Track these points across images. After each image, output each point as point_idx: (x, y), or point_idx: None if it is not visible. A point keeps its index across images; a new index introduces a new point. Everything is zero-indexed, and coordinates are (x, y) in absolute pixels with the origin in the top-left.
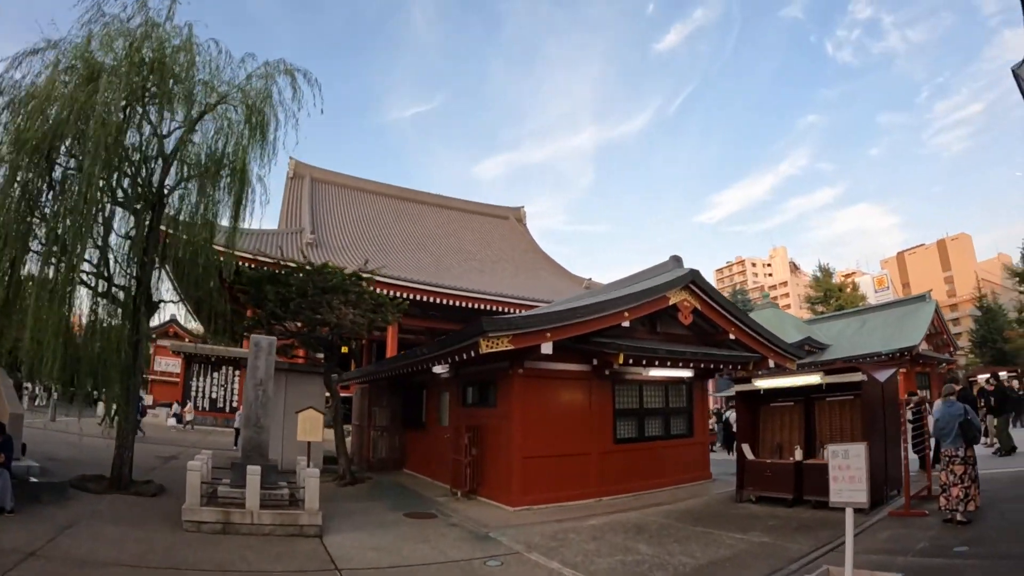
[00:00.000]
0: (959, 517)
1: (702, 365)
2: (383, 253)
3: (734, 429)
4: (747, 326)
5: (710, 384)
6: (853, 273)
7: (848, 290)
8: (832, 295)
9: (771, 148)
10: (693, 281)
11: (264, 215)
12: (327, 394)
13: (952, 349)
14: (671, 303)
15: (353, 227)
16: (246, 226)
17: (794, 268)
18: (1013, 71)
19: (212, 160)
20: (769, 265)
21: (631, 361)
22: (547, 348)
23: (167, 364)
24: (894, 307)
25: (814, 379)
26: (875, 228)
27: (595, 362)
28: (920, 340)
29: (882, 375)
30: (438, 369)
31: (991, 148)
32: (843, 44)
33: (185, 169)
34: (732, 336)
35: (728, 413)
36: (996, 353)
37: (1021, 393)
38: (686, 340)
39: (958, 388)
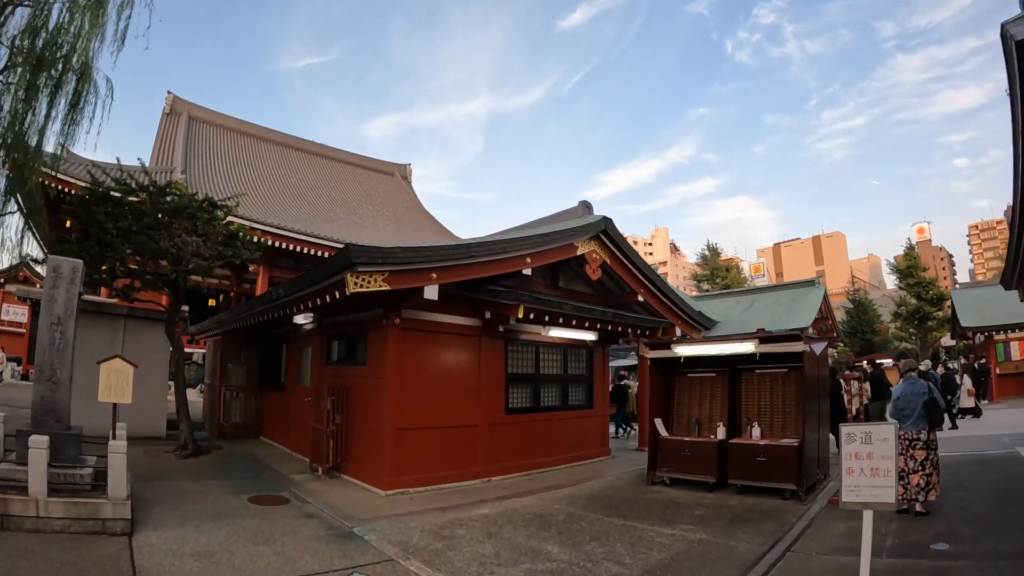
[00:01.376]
0: (919, 508)
1: (609, 327)
2: (260, 200)
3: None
4: (658, 288)
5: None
6: (732, 259)
7: (733, 272)
8: (719, 274)
9: (661, 135)
10: (605, 231)
11: (121, 140)
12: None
13: (836, 335)
14: (579, 253)
15: (229, 170)
16: (86, 138)
17: (674, 249)
18: (1002, 25)
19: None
20: (650, 244)
21: (531, 316)
22: (431, 293)
23: (15, 313)
24: (784, 289)
25: (746, 347)
26: (752, 220)
27: (488, 316)
28: (810, 323)
29: (817, 347)
30: (300, 319)
31: (869, 159)
32: (743, 45)
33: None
34: (640, 299)
35: (624, 382)
36: (865, 343)
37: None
38: (589, 300)
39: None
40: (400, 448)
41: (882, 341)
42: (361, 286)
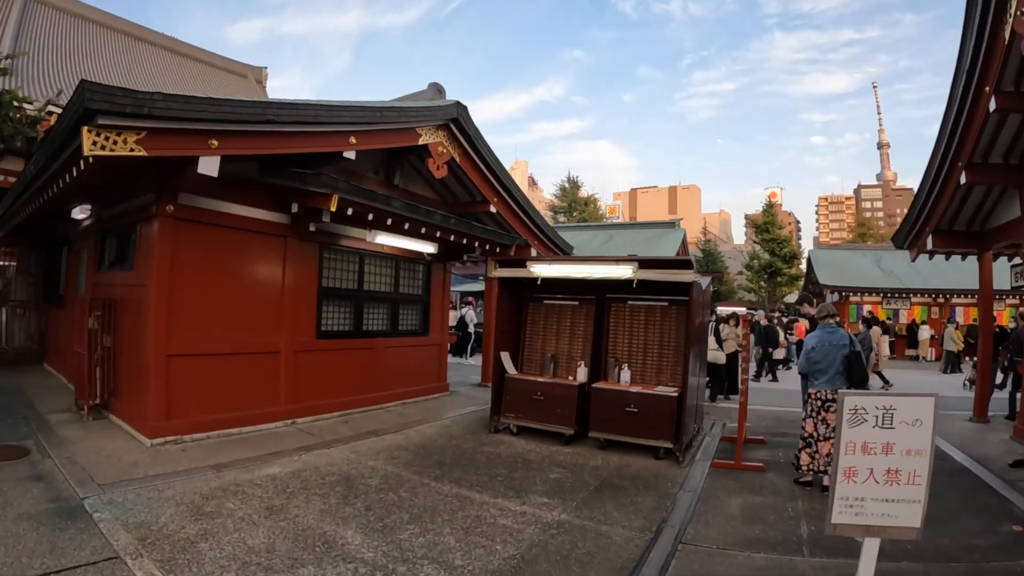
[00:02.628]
0: (825, 481)
1: (451, 238)
2: None
3: (471, 329)
4: (515, 200)
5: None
6: (591, 196)
7: (592, 207)
8: (576, 206)
9: (533, 71)
10: (457, 120)
11: None
12: None
13: None
14: (422, 143)
15: (66, 58)
16: None
17: (532, 183)
18: None
19: None
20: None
21: (350, 212)
22: (210, 167)
23: None
24: (644, 228)
25: (622, 271)
26: (613, 165)
27: (295, 209)
28: None
29: (704, 280)
30: (77, 212)
31: (732, 123)
32: None
33: None
34: (493, 209)
35: (465, 310)
36: (713, 293)
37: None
38: (432, 205)
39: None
40: (171, 382)
41: (727, 291)
42: (104, 148)
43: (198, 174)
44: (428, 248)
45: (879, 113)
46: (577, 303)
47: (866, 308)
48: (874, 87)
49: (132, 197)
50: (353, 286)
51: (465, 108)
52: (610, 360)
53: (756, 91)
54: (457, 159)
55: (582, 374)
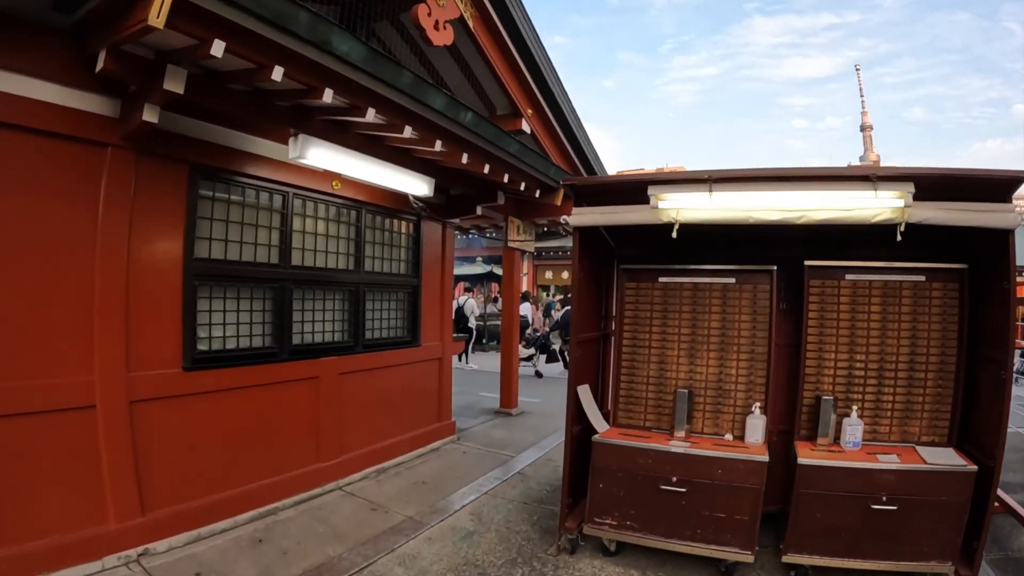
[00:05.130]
0: None
1: (480, 167)
2: None
3: (471, 324)
4: (561, 112)
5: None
6: None
7: None
8: None
9: None
10: None
11: None
12: None
13: None
14: None
15: None
16: None
17: None
18: None
19: None
20: None
21: (275, 73)
22: None
23: None
24: None
25: (889, 204)
26: (598, 148)
27: (132, 89)
28: None
29: None
30: None
31: (713, 107)
32: None
33: None
34: (525, 127)
35: (464, 298)
36: None
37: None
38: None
39: None
40: None
41: None
42: None
43: None
44: (420, 188)
45: (862, 95)
46: (733, 280)
47: None
48: (856, 69)
49: None
50: (268, 259)
51: None
52: (819, 398)
53: (737, 75)
54: (470, 20)
55: (755, 428)
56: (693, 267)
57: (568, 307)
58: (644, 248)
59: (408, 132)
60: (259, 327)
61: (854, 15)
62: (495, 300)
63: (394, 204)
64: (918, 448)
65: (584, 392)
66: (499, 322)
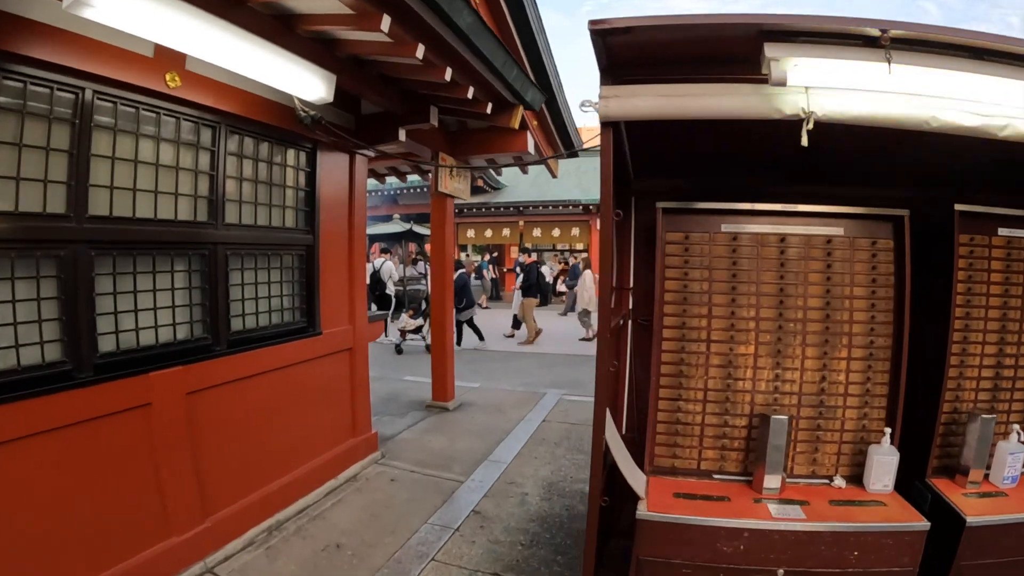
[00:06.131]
0: None
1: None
2: None
3: (389, 290)
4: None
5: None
6: None
7: None
8: None
9: None
10: None
11: None
12: None
13: None
14: None
15: None
16: None
17: None
18: None
19: None
20: None
21: None
22: None
23: None
24: (592, 156)
25: None
26: None
27: None
28: None
29: None
30: None
31: None
32: None
33: None
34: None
35: (380, 260)
36: None
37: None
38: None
39: None
40: None
41: None
42: None
43: None
44: (313, 87)
45: None
46: (840, 230)
47: None
48: None
49: None
50: (44, 207)
51: None
52: (968, 414)
53: None
54: None
55: (884, 467)
56: (779, 207)
57: (463, 270)
58: (677, 178)
59: None
60: (30, 330)
61: None
62: (414, 262)
63: (275, 120)
64: None
65: (614, 437)
66: (420, 287)
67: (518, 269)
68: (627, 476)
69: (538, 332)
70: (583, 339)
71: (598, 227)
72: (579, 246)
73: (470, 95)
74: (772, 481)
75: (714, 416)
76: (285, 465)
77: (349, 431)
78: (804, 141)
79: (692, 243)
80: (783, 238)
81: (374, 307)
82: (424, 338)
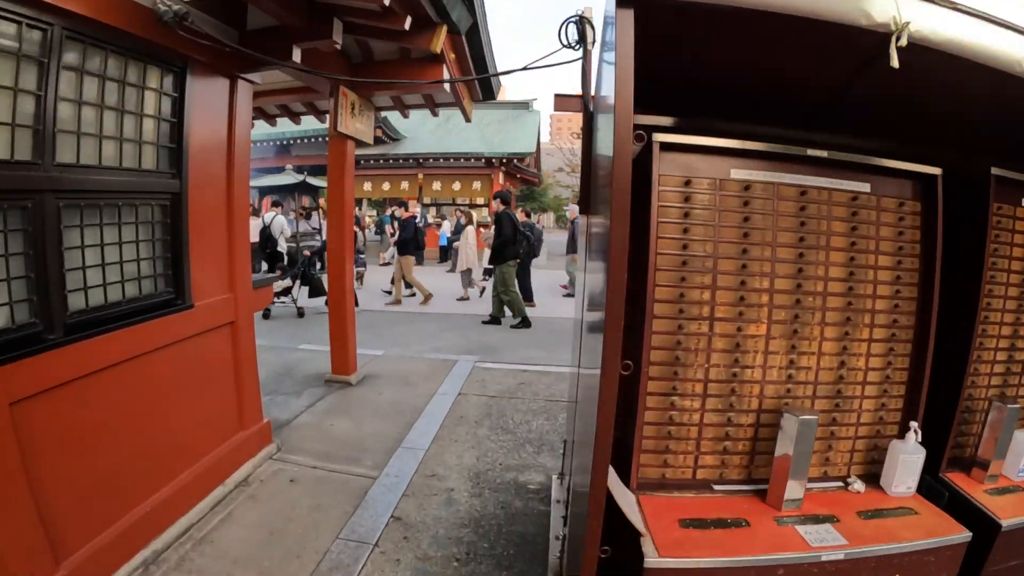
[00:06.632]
0: None
1: None
2: None
3: (281, 247)
4: None
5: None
6: None
7: None
8: None
9: None
10: None
11: None
12: None
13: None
14: None
15: None
16: None
17: None
18: None
19: None
20: None
21: None
22: None
23: None
24: (493, 109)
25: None
26: None
27: None
28: (534, 149)
29: None
30: None
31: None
32: None
33: None
34: None
35: (270, 215)
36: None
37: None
38: None
39: None
40: None
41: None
42: None
43: None
44: None
45: None
46: (867, 186)
47: None
48: None
49: None
50: None
51: None
52: (989, 401)
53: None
54: None
55: (908, 466)
56: (801, 152)
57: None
58: (681, 116)
59: None
60: None
61: None
62: (307, 215)
63: (133, 25)
64: None
65: (614, 482)
66: (314, 243)
67: (395, 224)
68: (626, 511)
69: (412, 295)
70: (461, 299)
71: (504, 178)
72: (480, 200)
73: (387, 1)
74: (794, 491)
75: (715, 414)
76: (159, 477)
77: (236, 424)
78: (894, 61)
79: (694, 190)
80: (804, 191)
81: (264, 267)
82: (294, 301)
